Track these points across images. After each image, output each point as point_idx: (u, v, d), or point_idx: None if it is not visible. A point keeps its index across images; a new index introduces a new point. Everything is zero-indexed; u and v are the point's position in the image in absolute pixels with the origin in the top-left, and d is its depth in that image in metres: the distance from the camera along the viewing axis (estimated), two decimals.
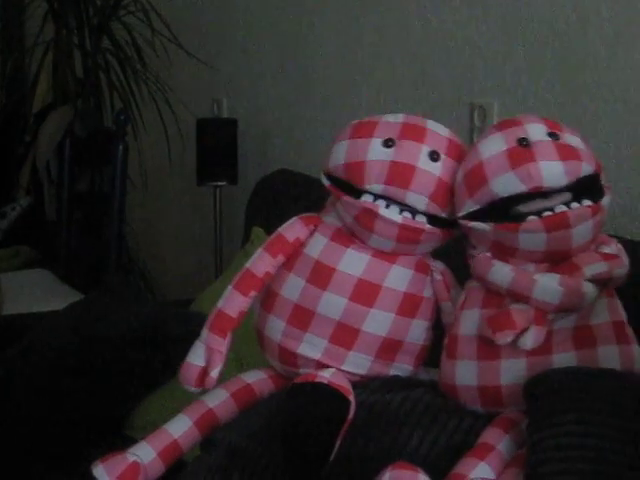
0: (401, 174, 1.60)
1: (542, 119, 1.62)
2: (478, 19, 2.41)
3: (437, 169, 1.61)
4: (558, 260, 1.55)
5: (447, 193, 1.62)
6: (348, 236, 1.66)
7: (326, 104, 2.95)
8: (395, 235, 1.62)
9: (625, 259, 1.58)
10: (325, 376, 1.59)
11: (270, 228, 1.74)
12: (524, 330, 1.50)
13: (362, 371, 1.65)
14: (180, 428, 1.68)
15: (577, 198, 1.53)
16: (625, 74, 2.07)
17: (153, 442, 1.67)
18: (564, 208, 1.51)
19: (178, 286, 3.75)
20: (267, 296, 1.70)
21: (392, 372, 1.67)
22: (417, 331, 1.67)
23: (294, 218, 1.71)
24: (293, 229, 1.69)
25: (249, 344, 1.78)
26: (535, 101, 2.28)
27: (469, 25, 2.44)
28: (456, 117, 2.46)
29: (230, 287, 1.67)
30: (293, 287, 1.66)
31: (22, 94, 3.95)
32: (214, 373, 1.64)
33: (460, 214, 1.60)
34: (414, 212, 1.61)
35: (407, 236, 1.62)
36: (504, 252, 1.58)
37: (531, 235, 1.53)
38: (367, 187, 1.61)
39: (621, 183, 2.05)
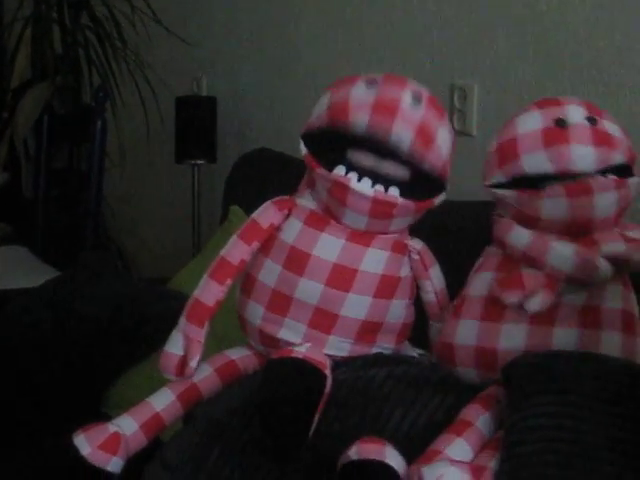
0: (386, 108, 1.58)
1: (583, 102, 1.60)
2: (459, 0, 2.41)
3: (421, 109, 1.60)
4: (579, 234, 1.54)
5: (430, 138, 1.60)
6: (323, 218, 1.65)
7: (306, 83, 2.94)
8: (367, 209, 1.60)
9: None
10: (301, 351, 1.60)
11: (249, 207, 1.73)
12: (532, 293, 1.50)
13: (344, 353, 1.66)
14: (163, 402, 1.69)
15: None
16: (605, 55, 2.08)
17: (135, 414, 1.68)
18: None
19: (155, 264, 3.75)
20: (246, 280, 1.70)
21: (374, 352, 1.68)
22: (396, 310, 1.68)
23: (267, 203, 1.70)
24: (267, 214, 1.68)
25: (227, 320, 1.78)
26: (516, 83, 2.28)
27: (450, 6, 2.44)
28: None
29: (206, 276, 1.67)
30: (270, 273, 1.66)
31: (0, 70, 3.92)
32: (193, 363, 1.65)
33: (487, 183, 1.61)
34: (387, 184, 1.59)
35: (379, 210, 1.61)
36: (527, 222, 1.58)
37: (553, 200, 1.53)
38: (351, 121, 1.58)
39: None
